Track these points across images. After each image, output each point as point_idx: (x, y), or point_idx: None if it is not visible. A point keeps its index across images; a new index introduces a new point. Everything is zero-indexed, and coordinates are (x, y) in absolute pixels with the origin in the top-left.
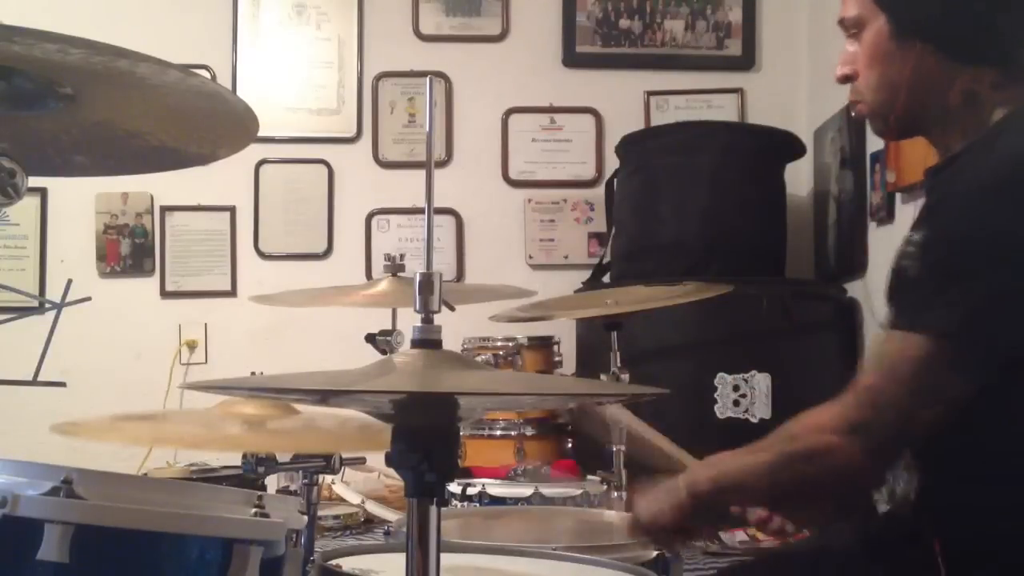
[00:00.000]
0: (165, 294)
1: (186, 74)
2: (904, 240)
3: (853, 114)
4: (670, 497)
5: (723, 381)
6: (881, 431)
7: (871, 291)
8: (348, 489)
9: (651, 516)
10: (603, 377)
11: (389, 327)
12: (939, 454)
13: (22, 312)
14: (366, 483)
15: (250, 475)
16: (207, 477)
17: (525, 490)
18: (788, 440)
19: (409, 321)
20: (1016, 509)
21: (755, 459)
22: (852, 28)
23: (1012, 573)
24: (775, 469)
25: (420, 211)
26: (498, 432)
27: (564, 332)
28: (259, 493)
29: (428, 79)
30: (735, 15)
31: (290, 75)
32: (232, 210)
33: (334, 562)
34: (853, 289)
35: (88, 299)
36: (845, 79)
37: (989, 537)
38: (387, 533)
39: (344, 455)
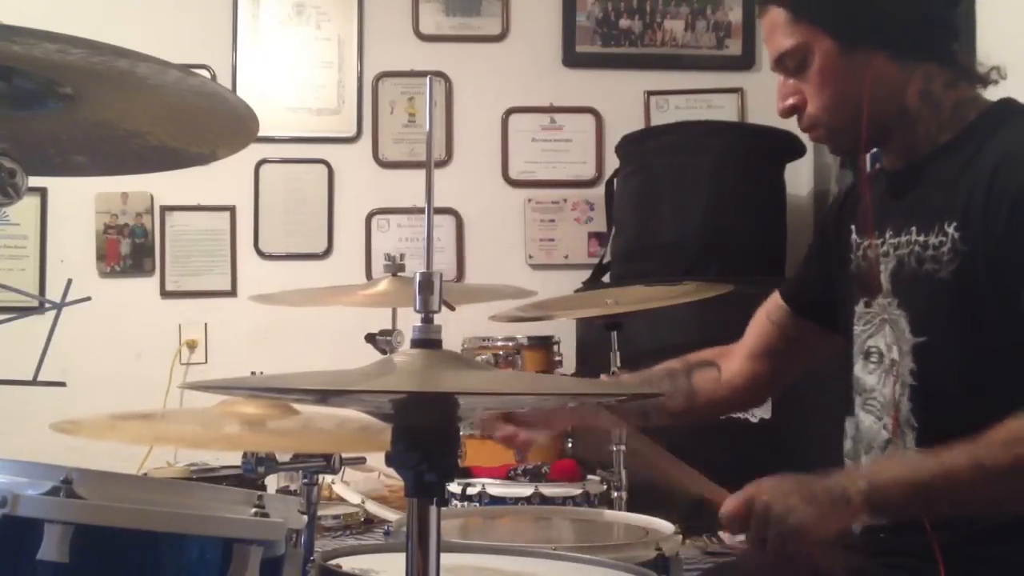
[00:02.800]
0: (165, 294)
1: (186, 74)
2: (923, 244)
3: (812, 139)
4: (838, 507)
5: None
6: None
7: None
8: (348, 489)
9: (816, 529)
10: (603, 377)
11: (389, 327)
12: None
13: (22, 312)
14: (366, 483)
15: (250, 475)
16: (207, 477)
17: (525, 490)
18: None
19: (409, 321)
20: None
21: (955, 463)
22: (794, 60)
23: (1009, 566)
24: (998, 474)
25: (420, 211)
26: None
27: (564, 332)
28: (259, 493)
29: (428, 79)
30: (735, 15)
31: (290, 75)
32: (232, 210)
33: (334, 562)
34: None
35: (88, 299)
36: (792, 110)
37: (986, 530)
38: (387, 533)
39: (344, 455)
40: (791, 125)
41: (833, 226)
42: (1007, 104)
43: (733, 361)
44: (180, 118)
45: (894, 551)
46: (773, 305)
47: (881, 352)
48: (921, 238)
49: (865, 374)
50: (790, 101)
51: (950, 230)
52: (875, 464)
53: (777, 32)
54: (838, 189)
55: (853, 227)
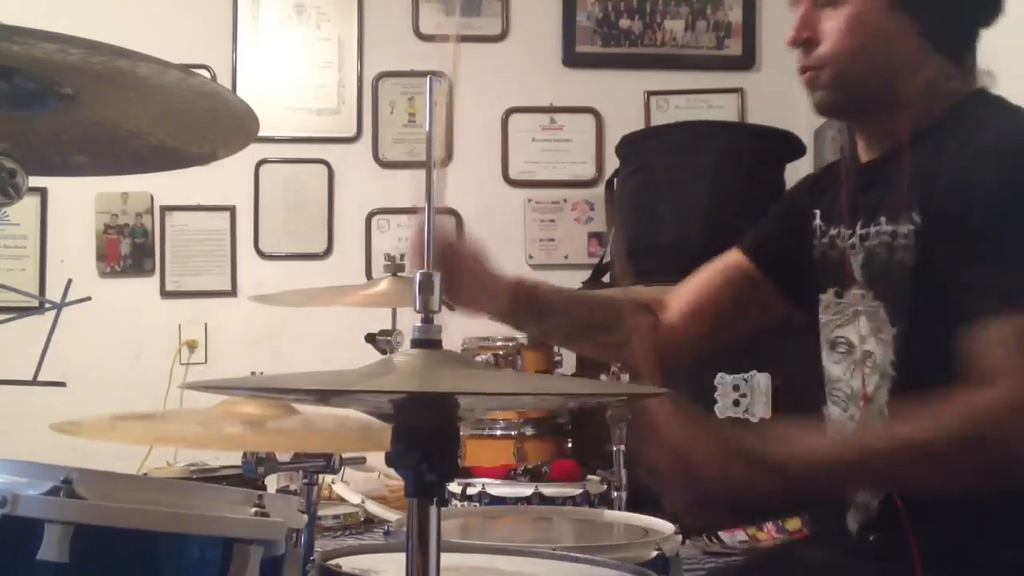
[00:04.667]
0: (165, 294)
1: (186, 74)
2: (891, 234)
3: (802, 79)
4: (751, 469)
5: (723, 381)
6: None
7: None
8: (348, 489)
9: (720, 485)
10: (603, 377)
11: (389, 327)
12: None
13: (22, 312)
14: (366, 483)
15: (250, 475)
16: (207, 477)
17: (525, 490)
18: (945, 425)
19: (409, 321)
20: (992, 504)
21: (881, 441)
22: None
23: (986, 569)
24: (934, 452)
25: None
26: (498, 432)
27: None
28: (259, 493)
29: (428, 79)
30: (735, 15)
31: (290, 75)
32: (232, 210)
33: (334, 562)
34: None
35: (88, 299)
36: (804, 43)
37: (965, 534)
38: (387, 533)
39: (344, 455)
40: (791, 125)
41: (800, 203)
42: (978, 95)
43: (670, 313)
44: (180, 118)
45: (884, 556)
46: (731, 264)
47: (850, 343)
48: (890, 228)
49: (831, 364)
50: (807, 33)
51: (916, 217)
52: (781, 434)
53: None
54: None
55: (818, 212)
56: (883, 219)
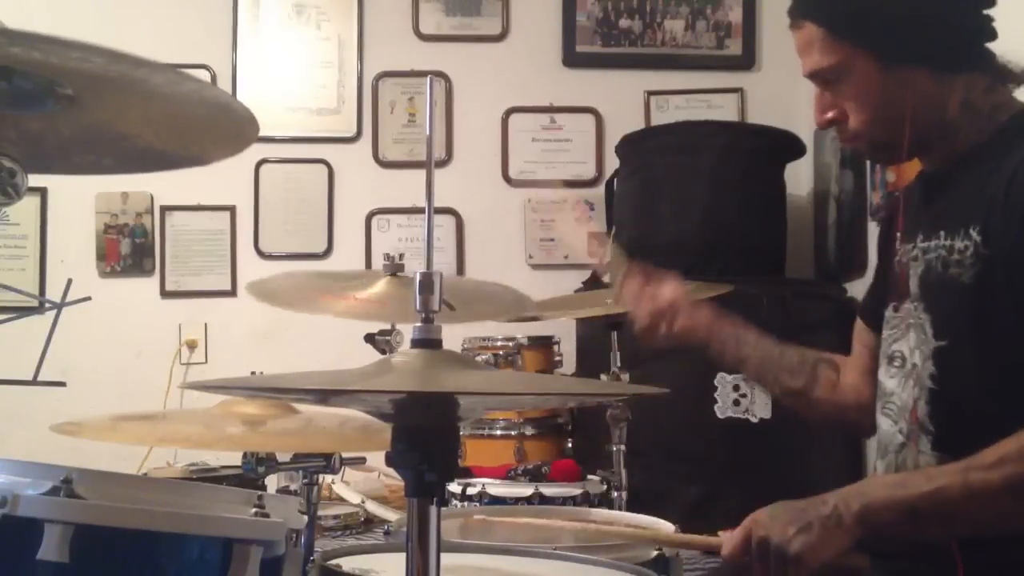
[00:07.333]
0: (165, 294)
1: (186, 78)
2: (949, 248)
3: (852, 149)
4: (832, 530)
5: (723, 381)
6: None
7: None
8: (348, 489)
9: (815, 554)
10: (603, 377)
11: (389, 327)
12: (962, 454)
13: (22, 312)
14: (366, 483)
15: (250, 475)
16: (207, 477)
17: (525, 490)
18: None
19: (409, 321)
20: None
21: (946, 483)
22: (831, 77)
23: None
24: (988, 495)
25: (420, 211)
26: (498, 432)
27: (564, 332)
28: (259, 493)
29: (428, 79)
30: (735, 15)
31: (290, 75)
32: (232, 210)
33: (334, 562)
34: (853, 289)
35: (88, 299)
36: (832, 123)
37: (1009, 538)
38: (387, 533)
39: (344, 455)
40: (791, 125)
41: (885, 239)
42: None
43: (849, 372)
44: (179, 121)
45: (908, 554)
46: (859, 330)
47: (904, 356)
48: (948, 242)
49: (887, 378)
50: (829, 115)
51: (974, 234)
52: (868, 483)
53: (813, 48)
54: (838, 189)
55: (899, 235)
56: (942, 232)
